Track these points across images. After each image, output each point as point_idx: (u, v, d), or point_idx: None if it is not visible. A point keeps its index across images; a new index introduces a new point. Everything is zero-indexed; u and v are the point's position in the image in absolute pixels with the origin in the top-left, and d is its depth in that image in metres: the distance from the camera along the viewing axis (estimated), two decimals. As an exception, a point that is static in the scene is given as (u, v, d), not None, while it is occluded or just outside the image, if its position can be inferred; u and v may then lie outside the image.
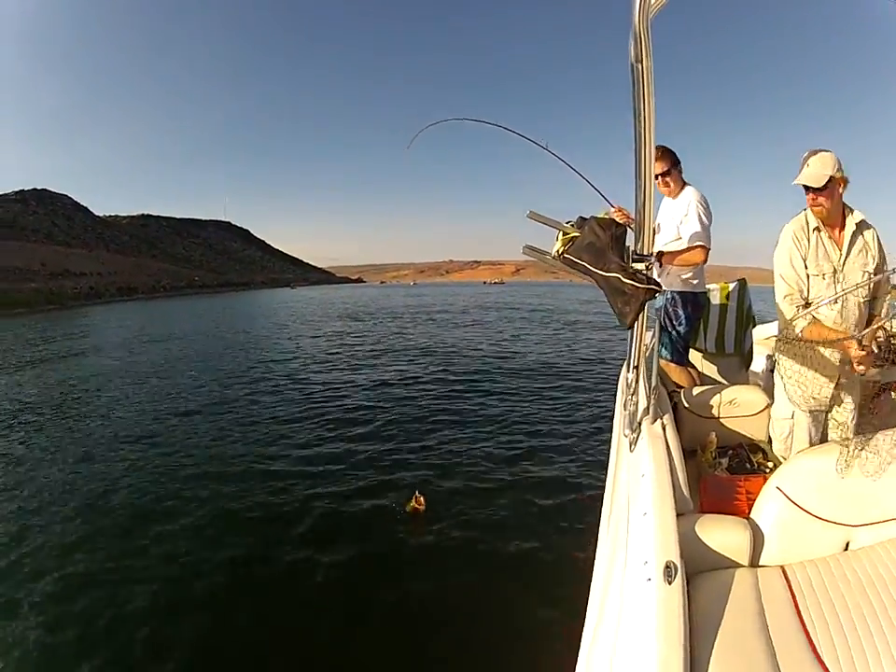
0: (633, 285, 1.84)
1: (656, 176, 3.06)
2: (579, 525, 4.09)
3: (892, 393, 2.56)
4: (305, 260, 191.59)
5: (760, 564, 1.67)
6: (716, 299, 3.84)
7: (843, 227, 2.27)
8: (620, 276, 1.86)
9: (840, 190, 2.21)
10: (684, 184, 3.21)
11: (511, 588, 3.60)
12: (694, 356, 3.74)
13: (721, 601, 1.43)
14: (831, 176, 2.13)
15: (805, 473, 1.72)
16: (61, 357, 16.50)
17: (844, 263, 2.25)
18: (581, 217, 2.17)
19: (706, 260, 3.14)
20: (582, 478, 5.35)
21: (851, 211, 2.28)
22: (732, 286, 3.89)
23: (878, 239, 2.28)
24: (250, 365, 14.13)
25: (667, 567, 1.29)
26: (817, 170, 2.17)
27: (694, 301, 3.32)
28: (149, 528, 4.67)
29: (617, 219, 2.45)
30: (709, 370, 3.94)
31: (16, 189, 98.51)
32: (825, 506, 1.66)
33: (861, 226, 2.26)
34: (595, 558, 1.84)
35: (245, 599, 3.66)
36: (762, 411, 2.76)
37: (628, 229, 2.14)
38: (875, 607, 1.35)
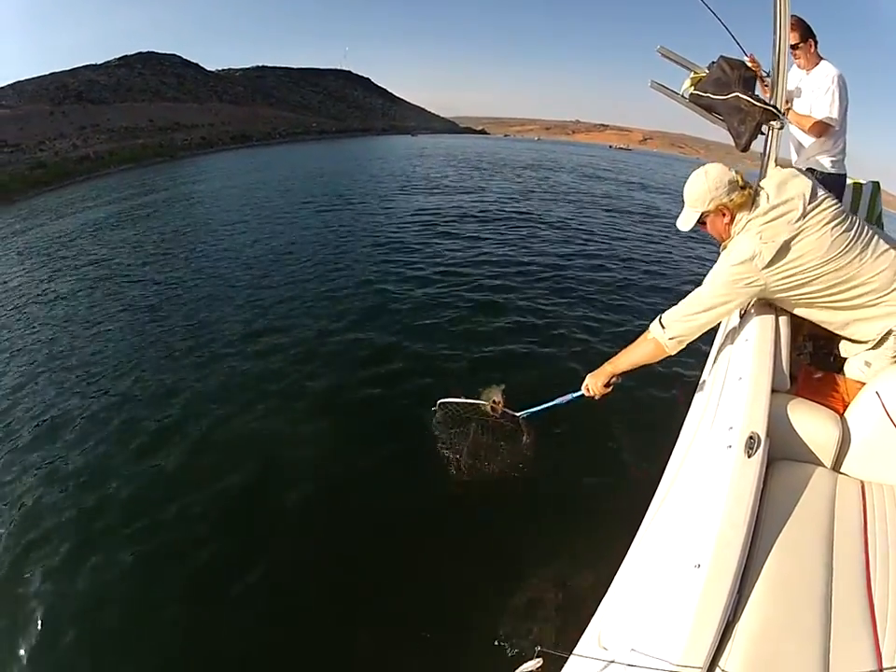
0: (749, 101, 1.89)
1: None
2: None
3: None
4: (428, 109, 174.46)
5: (841, 470, 1.53)
6: (847, 194, 3.39)
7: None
8: (738, 94, 1.93)
9: (724, 221, 1.90)
10: (820, 58, 3.03)
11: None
12: None
13: (796, 496, 1.33)
14: (702, 213, 1.91)
15: None
16: (150, 206, 17.23)
17: None
18: (712, 62, 2.10)
19: (831, 139, 3.04)
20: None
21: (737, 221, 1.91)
22: (865, 184, 3.44)
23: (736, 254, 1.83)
24: (346, 210, 13.44)
25: (751, 437, 1.23)
26: (686, 208, 1.98)
27: (836, 184, 3.09)
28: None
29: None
30: None
31: (118, 56, 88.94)
32: None
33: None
34: (682, 424, 1.85)
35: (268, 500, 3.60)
36: None
37: (758, 77, 2.09)
38: None
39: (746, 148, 1.96)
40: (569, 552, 2.96)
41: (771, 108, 1.84)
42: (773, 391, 1.49)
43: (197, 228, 12.72)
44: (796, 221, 1.75)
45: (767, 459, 1.29)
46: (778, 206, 1.79)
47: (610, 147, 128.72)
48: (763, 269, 1.74)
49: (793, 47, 2.93)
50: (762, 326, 1.77)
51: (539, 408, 2.55)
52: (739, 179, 1.84)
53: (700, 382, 2.04)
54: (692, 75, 2.16)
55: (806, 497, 1.32)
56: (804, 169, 2.81)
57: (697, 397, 1.93)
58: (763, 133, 2.05)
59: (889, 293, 1.76)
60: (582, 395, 2.17)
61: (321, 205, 14.42)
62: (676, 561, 1.08)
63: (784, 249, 1.74)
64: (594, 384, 2.09)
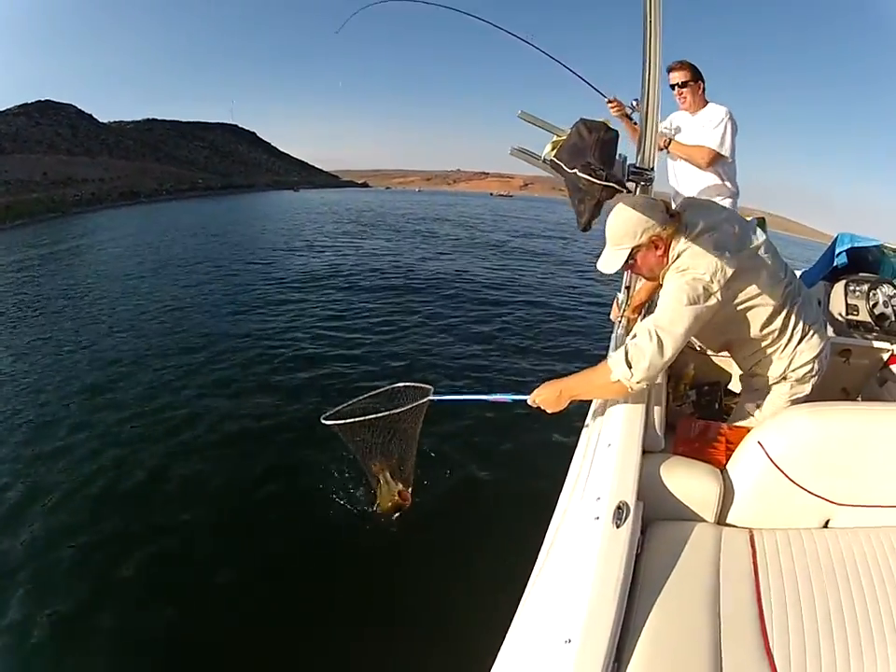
0: (588, 179, 1.61)
1: (673, 87, 2.89)
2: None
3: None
4: (311, 163, 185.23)
5: (727, 522, 1.46)
6: None
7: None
8: (577, 171, 1.64)
9: (658, 253, 1.68)
10: (706, 102, 2.91)
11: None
12: None
13: (675, 556, 1.27)
14: (633, 249, 1.67)
15: (793, 432, 1.42)
16: (44, 263, 16.62)
17: None
18: (575, 123, 1.84)
19: (715, 168, 2.86)
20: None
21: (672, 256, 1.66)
22: (750, 221, 3.49)
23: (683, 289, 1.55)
24: (228, 270, 13.33)
25: (619, 507, 1.18)
26: (608, 248, 1.72)
27: None
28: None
29: (612, 112, 2.49)
30: None
31: (19, 104, 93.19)
32: (808, 474, 1.39)
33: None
34: (560, 491, 1.64)
35: (169, 602, 3.01)
36: None
37: (627, 117, 2.21)
38: (842, 599, 1.16)
39: (586, 229, 1.68)
40: (451, 627, 2.63)
41: (612, 186, 1.58)
42: (647, 452, 1.42)
43: (76, 291, 11.95)
44: (735, 241, 1.62)
45: (643, 523, 1.26)
46: (715, 227, 1.63)
47: (491, 194, 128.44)
48: (724, 284, 1.55)
49: (682, 85, 2.83)
50: None
51: (454, 397, 2.42)
52: (667, 207, 1.68)
53: (577, 445, 1.84)
54: (554, 138, 1.89)
55: (687, 554, 1.27)
56: None
57: (573, 463, 1.75)
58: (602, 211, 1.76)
59: (805, 330, 1.70)
60: (525, 401, 1.80)
61: (198, 269, 13.65)
62: (548, 638, 1.01)
63: (741, 266, 1.58)
64: (546, 402, 1.70)
